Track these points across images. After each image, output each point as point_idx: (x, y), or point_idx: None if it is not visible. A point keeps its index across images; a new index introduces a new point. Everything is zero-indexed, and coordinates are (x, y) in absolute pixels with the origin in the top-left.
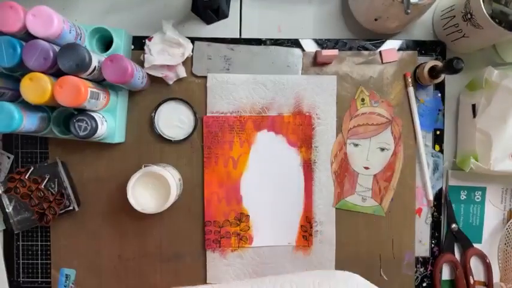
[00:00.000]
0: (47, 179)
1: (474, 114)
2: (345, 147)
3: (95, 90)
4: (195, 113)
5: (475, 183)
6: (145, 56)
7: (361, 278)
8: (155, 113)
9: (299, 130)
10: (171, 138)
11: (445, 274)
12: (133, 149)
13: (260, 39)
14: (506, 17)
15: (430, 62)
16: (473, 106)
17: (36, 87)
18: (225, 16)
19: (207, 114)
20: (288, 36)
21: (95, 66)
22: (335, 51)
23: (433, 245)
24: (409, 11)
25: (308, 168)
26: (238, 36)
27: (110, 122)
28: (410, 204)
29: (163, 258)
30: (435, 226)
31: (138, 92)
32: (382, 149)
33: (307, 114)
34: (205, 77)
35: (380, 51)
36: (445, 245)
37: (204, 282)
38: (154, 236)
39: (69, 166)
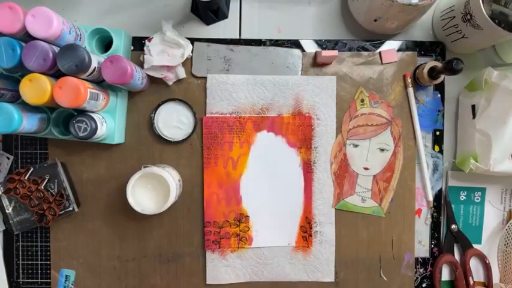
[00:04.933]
0: (46, 179)
1: (474, 115)
2: (344, 148)
3: (94, 91)
4: (194, 114)
5: (475, 184)
6: (145, 56)
7: None
8: (155, 113)
9: (299, 131)
10: (170, 139)
11: (445, 275)
12: (133, 149)
13: (260, 39)
14: (505, 17)
15: (430, 63)
16: (473, 107)
17: (36, 88)
18: (225, 17)
19: (207, 115)
20: (287, 37)
21: (95, 67)
22: (335, 52)
23: (432, 246)
24: None
25: (308, 168)
26: (237, 37)
27: (110, 123)
28: (410, 204)
29: (163, 259)
30: (435, 227)
31: (138, 92)
32: (382, 150)
33: (307, 114)
34: (205, 78)
35: (380, 52)
36: (444, 246)
37: (204, 282)
38: (153, 236)
39: (69, 167)
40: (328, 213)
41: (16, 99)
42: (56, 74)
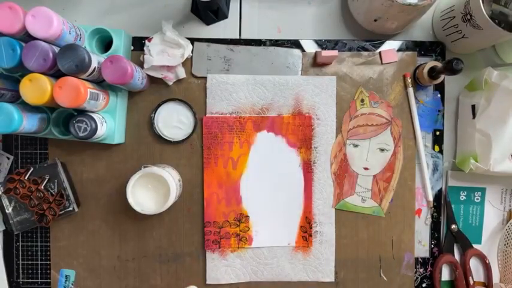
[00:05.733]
0: (46, 179)
1: (474, 115)
2: (344, 148)
3: (94, 91)
4: (194, 114)
5: (475, 184)
6: (145, 56)
7: None
8: (155, 113)
9: (299, 131)
10: (170, 139)
11: (445, 275)
12: (133, 149)
13: (260, 39)
14: (505, 17)
15: (430, 63)
16: (473, 107)
17: (36, 88)
18: (225, 17)
19: (207, 115)
20: (287, 37)
21: (95, 67)
22: (335, 52)
23: (432, 246)
24: None
25: (308, 168)
26: (237, 37)
27: (110, 123)
28: (410, 204)
29: (163, 259)
30: (435, 227)
31: (138, 92)
32: (382, 150)
33: (307, 114)
34: (205, 78)
35: (380, 52)
36: (444, 246)
37: (204, 282)
38: (154, 236)
39: (69, 167)
40: (328, 213)
41: (16, 99)
42: (56, 74)
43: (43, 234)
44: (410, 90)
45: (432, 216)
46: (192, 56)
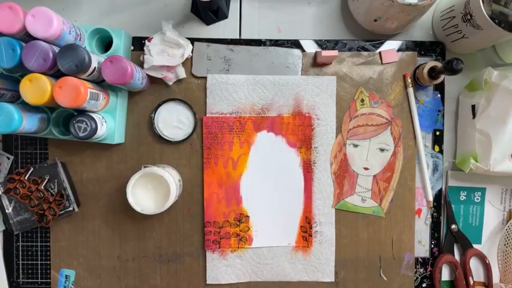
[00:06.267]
0: (46, 179)
1: (474, 115)
2: (344, 148)
3: (94, 91)
4: (194, 114)
5: (475, 184)
6: (145, 56)
7: None
8: (155, 113)
9: (299, 131)
10: (170, 139)
11: (445, 275)
12: (133, 149)
13: (260, 39)
14: (505, 17)
15: (430, 63)
16: (473, 107)
17: (36, 88)
18: (225, 17)
19: (207, 115)
20: (287, 37)
21: (95, 67)
22: (335, 52)
23: (432, 246)
24: None
25: (308, 168)
26: (237, 37)
27: (110, 123)
28: (410, 204)
29: (163, 259)
30: (435, 227)
31: (138, 92)
32: (382, 150)
33: (307, 114)
34: (205, 78)
35: (380, 52)
36: (444, 246)
37: (204, 282)
38: (153, 236)
39: (69, 167)
40: (328, 213)
41: (16, 99)
42: (56, 74)
43: (43, 234)
44: (410, 90)
45: (432, 216)
46: (192, 56)
